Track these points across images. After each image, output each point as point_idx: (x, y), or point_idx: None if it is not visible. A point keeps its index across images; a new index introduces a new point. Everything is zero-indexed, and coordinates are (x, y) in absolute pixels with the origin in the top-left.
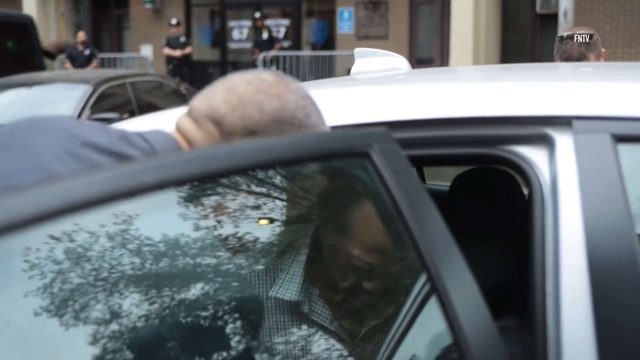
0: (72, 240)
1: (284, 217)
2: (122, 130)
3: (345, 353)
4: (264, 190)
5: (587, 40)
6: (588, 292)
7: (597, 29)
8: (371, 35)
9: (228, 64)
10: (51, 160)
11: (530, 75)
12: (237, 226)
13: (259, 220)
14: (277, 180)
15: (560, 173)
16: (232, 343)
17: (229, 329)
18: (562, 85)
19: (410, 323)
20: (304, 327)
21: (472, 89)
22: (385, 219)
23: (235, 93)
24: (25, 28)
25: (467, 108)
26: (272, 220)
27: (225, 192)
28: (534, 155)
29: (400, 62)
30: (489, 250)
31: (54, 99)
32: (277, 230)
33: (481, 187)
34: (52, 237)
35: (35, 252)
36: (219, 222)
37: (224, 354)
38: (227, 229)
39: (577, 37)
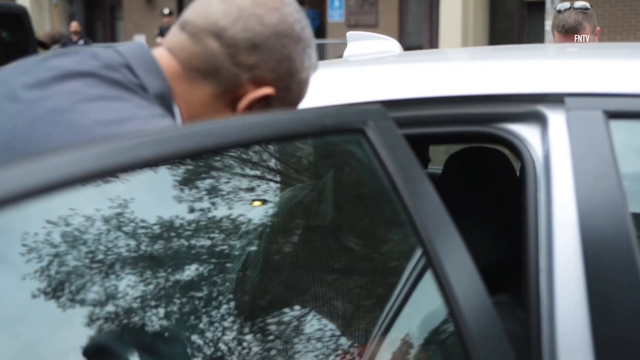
0: (67, 224)
1: (277, 197)
2: (90, 49)
3: (339, 332)
4: (258, 168)
5: (584, 10)
6: (581, 268)
7: None
8: (361, 23)
9: None
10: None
11: (522, 54)
12: (230, 207)
13: (253, 202)
14: (271, 157)
15: (552, 150)
16: (227, 323)
17: (223, 309)
18: (553, 62)
19: (406, 299)
20: (297, 307)
21: (465, 68)
22: (381, 196)
23: (234, 5)
24: (19, 19)
25: (459, 86)
26: (265, 201)
27: (218, 169)
28: (526, 132)
29: (392, 45)
30: (482, 230)
31: None
32: (271, 210)
33: (474, 167)
34: (48, 221)
35: (33, 236)
36: (213, 203)
37: (220, 334)
38: (221, 210)
39: (573, 5)
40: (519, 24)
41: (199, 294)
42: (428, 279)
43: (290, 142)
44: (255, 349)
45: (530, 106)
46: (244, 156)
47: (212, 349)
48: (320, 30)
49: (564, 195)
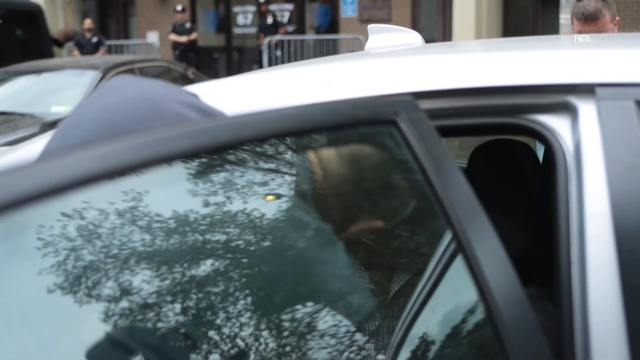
0: (82, 218)
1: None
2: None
3: (359, 328)
4: (291, 159)
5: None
6: (614, 259)
7: None
8: (374, 18)
9: (233, 49)
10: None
11: (550, 44)
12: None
13: (266, 196)
14: (305, 149)
15: (583, 141)
16: (245, 319)
17: (240, 305)
18: (584, 52)
19: (437, 290)
20: (327, 297)
21: (493, 59)
22: (413, 187)
23: None
24: (33, 16)
25: (488, 77)
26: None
27: (254, 160)
28: (556, 123)
29: (414, 37)
30: (508, 222)
31: (64, 85)
32: (301, 202)
33: (499, 160)
34: (63, 214)
35: (49, 229)
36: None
37: (236, 330)
38: (251, 203)
39: None
40: (533, 18)
41: (217, 289)
42: (460, 269)
43: (324, 134)
44: (281, 341)
45: (560, 97)
46: (280, 148)
47: (229, 345)
48: (332, 25)
49: (595, 186)
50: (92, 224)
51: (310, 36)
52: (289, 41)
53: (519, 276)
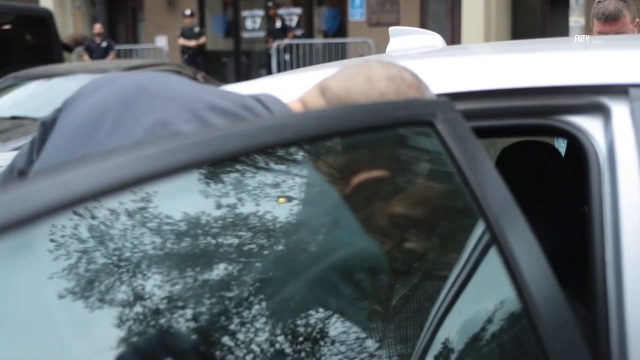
0: (93, 217)
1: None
2: (241, 95)
3: (380, 332)
4: (329, 160)
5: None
6: None
7: None
8: (382, 22)
9: (242, 53)
10: (182, 123)
11: (581, 45)
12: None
13: (278, 198)
14: (345, 150)
15: (617, 142)
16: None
17: (255, 309)
18: (616, 53)
19: (474, 287)
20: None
21: (524, 60)
22: (450, 188)
23: (377, 89)
24: (44, 21)
25: (520, 79)
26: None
27: (291, 161)
28: (588, 124)
29: (435, 39)
30: (538, 224)
31: (74, 90)
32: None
33: (526, 161)
34: (76, 213)
35: (61, 230)
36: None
37: (249, 334)
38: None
39: None
40: (542, 21)
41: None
42: (497, 267)
43: (363, 135)
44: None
45: (592, 98)
46: (320, 149)
47: (243, 349)
48: (341, 29)
49: (629, 186)
50: (104, 227)
51: (318, 40)
52: (297, 45)
53: None
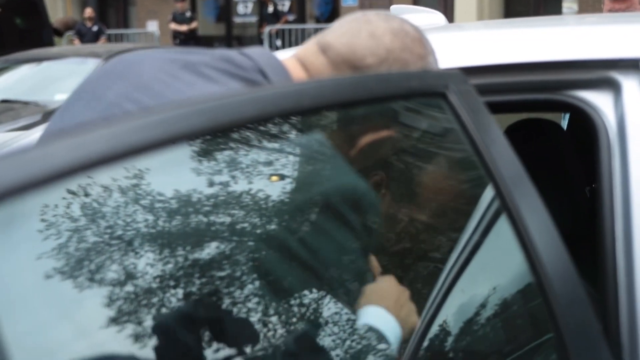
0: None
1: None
2: (222, 50)
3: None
4: (344, 128)
5: None
6: None
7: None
8: (375, 6)
9: (233, 38)
10: (155, 83)
11: (590, 20)
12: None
13: (271, 176)
14: (361, 120)
15: (627, 117)
16: (251, 304)
17: (247, 289)
18: (626, 27)
19: (485, 259)
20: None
21: (533, 34)
22: (463, 159)
23: (382, 44)
24: (33, 5)
25: (528, 53)
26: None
27: (305, 129)
28: (598, 99)
29: (437, 17)
30: (546, 202)
31: (66, 73)
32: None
33: (530, 139)
34: (69, 191)
35: (53, 209)
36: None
37: (242, 315)
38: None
39: None
40: (535, 8)
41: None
42: (509, 238)
43: (379, 104)
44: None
45: (602, 72)
46: (333, 117)
47: (235, 329)
48: (333, 14)
49: None
50: (95, 203)
51: (310, 25)
52: (289, 30)
53: None
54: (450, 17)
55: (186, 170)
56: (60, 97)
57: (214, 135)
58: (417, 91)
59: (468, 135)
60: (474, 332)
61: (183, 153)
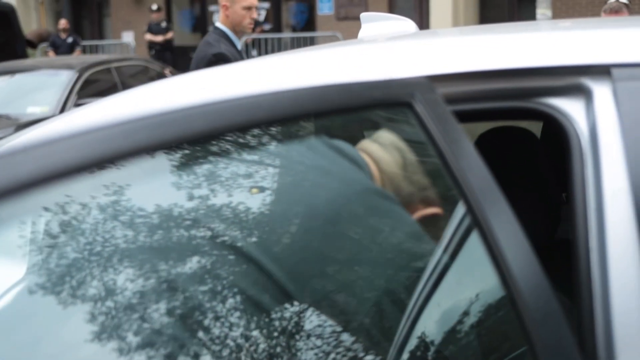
0: (65, 212)
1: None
2: None
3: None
4: (305, 140)
5: (626, 3)
6: (636, 244)
7: (573, 4)
8: (351, 15)
9: None
10: None
11: (561, 26)
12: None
13: (251, 189)
14: (322, 131)
15: (599, 124)
16: (232, 318)
17: (228, 303)
18: (597, 32)
19: (455, 271)
20: (342, 273)
21: (502, 41)
22: (430, 170)
23: None
24: (6, 16)
25: (498, 60)
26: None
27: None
28: (569, 106)
29: (408, 25)
30: (517, 210)
31: (39, 85)
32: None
33: (503, 147)
34: (45, 208)
35: (31, 226)
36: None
37: (223, 328)
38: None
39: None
40: (510, 14)
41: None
42: (479, 251)
43: (340, 115)
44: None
45: (573, 79)
46: (293, 130)
47: (221, 342)
48: (309, 22)
49: (613, 170)
50: (70, 217)
51: (287, 34)
52: (265, 40)
53: None
54: (426, 25)
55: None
56: (32, 109)
57: (159, 150)
58: (381, 101)
59: (435, 146)
60: (449, 345)
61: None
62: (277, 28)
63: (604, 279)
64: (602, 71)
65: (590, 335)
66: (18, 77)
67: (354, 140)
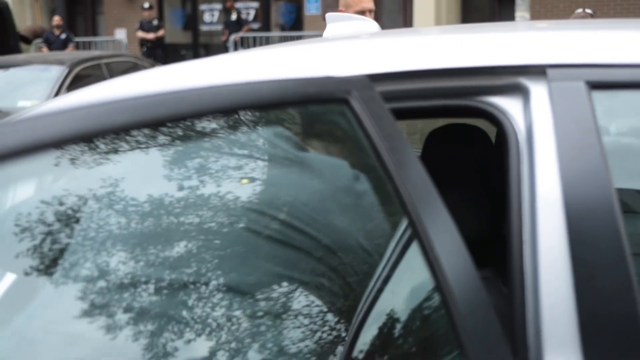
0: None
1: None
2: None
3: (325, 308)
4: (238, 136)
5: (591, 13)
6: (565, 238)
7: (551, 7)
8: None
9: (200, 46)
10: None
11: (501, 27)
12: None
13: (241, 180)
14: (253, 124)
15: (535, 122)
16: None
17: (212, 285)
18: (534, 34)
19: (391, 271)
20: (284, 283)
21: (445, 41)
22: (365, 166)
23: None
24: (0, 12)
25: (440, 59)
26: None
27: (197, 135)
28: (508, 105)
29: (371, 25)
30: (465, 205)
31: (30, 80)
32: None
33: (454, 143)
34: (42, 201)
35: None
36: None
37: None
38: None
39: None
40: (490, 17)
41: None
42: (414, 249)
43: (271, 110)
44: (242, 325)
45: (511, 78)
46: (224, 123)
47: (201, 325)
48: (297, 22)
49: (547, 166)
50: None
51: (275, 33)
52: (254, 38)
53: (475, 259)
54: (409, 26)
55: None
56: (23, 103)
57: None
58: (316, 97)
59: (371, 142)
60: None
61: None
62: (266, 27)
63: (534, 270)
64: (538, 71)
65: (522, 324)
66: (11, 72)
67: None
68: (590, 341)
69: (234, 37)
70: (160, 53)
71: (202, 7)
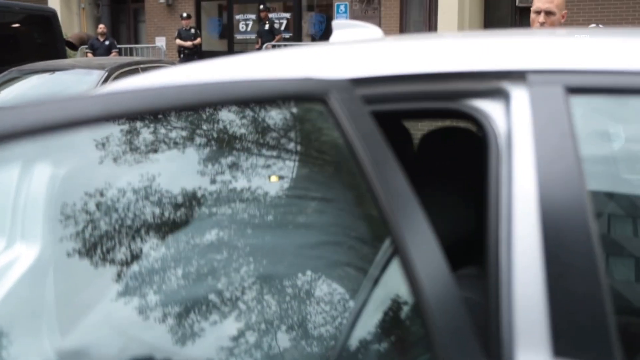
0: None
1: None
2: None
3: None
4: (217, 132)
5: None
6: (539, 238)
7: (570, 20)
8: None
9: (234, 53)
10: None
11: (486, 34)
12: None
13: (270, 177)
14: (230, 122)
15: (515, 125)
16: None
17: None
18: (516, 40)
19: (366, 270)
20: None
21: (431, 46)
22: (342, 165)
23: None
24: (48, 20)
25: (427, 64)
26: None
27: (174, 129)
28: (490, 108)
29: (375, 31)
30: (454, 206)
31: (72, 83)
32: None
33: (447, 146)
34: (86, 193)
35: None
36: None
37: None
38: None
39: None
40: (512, 19)
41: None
42: (387, 247)
43: (248, 107)
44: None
45: (494, 83)
46: (201, 119)
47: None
48: (326, 33)
49: (524, 168)
50: None
51: (306, 43)
52: (285, 47)
53: (465, 257)
54: (434, 27)
55: None
56: None
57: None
58: (294, 96)
59: (348, 143)
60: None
61: None
62: (298, 37)
63: (509, 269)
64: (519, 76)
65: (495, 317)
66: (56, 75)
67: (269, 134)
68: (560, 338)
69: (266, 45)
70: (197, 60)
71: (237, 17)
